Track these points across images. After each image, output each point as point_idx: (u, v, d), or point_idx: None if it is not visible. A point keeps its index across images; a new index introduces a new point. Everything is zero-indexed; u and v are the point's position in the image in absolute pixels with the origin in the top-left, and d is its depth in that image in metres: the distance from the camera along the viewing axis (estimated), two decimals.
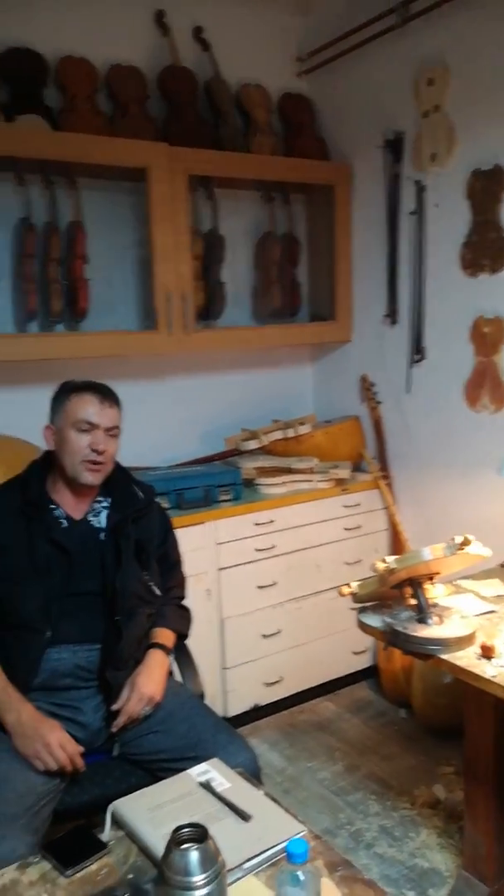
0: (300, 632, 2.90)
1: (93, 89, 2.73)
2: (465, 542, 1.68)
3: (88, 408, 1.76)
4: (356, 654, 3.09)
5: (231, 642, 2.74)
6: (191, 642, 2.07)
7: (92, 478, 1.78)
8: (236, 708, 2.77)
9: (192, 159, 2.74)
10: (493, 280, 2.62)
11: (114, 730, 1.73)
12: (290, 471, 2.94)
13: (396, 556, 1.76)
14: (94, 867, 1.26)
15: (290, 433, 3.03)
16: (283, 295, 3.17)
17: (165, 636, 1.92)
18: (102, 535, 1.88)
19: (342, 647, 3.02)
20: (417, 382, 2.98)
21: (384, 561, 1.76)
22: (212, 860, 0.98)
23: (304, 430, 3.04)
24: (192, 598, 2.60)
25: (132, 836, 1.32)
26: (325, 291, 3.26)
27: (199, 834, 1.01)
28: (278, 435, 3.02)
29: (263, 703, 2.85)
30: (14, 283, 2.67)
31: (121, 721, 1.73)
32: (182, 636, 2.01)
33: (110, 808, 1.38)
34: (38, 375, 2.60)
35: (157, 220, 2.65)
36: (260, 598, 2.81)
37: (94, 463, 1.77)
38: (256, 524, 2.77)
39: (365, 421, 3.22)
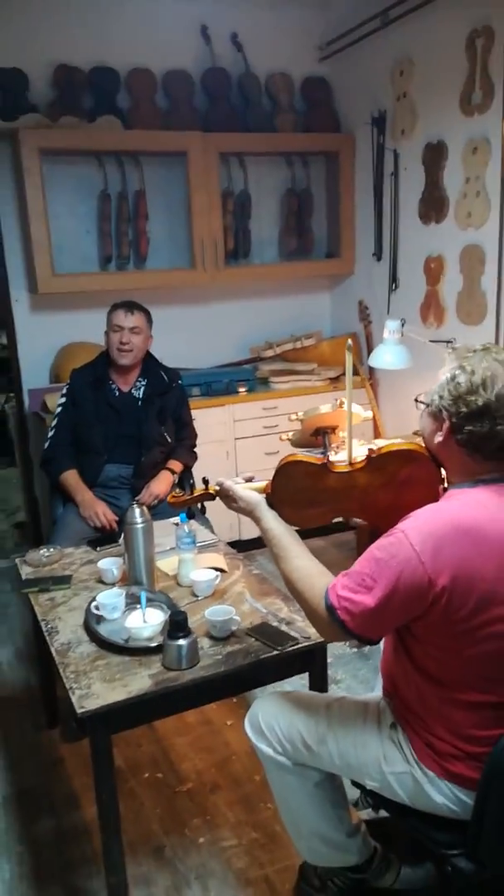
0: None
1: (153, 92, 3.79)
2: (341, 404, 2.71)
3: (118, 316, 2.92)
4: None
5: None
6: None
7: (122, 359, 2.94)
8: (249, 534, 3.93)
9: (223, 141, 3.77)
10: (437, 227, 3.51)
11: None
12: (294, 372, 4.01)
13: (305, 411, 2.81)
14: (111, 549, 2.48)
15: (298, 345, 4.08)
16: (298, 239, 4.17)
17: (174, 464, 3.10)
18: (139, 403, 3.06)
19: None
20: (394, 305, 3.92)
21: (297, 415, 2.82)
22: (147, 518, 2.14)
23: (308, 342, 4.08)
24: (215, 457, 3.77)
25: None
26: (336, 235, 4.23)
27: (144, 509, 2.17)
28: (288, 346, 4.08)
29: None
30: (98, 236, 3.84)
31: None
32: (187, 466, 3.18)
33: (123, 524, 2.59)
34: (114, 301, 3.77)
35: (194, 188, 3.73)
36: (267, 461, 3.92)
37: (121, 350, 2.92)
38: (264, 409, 3.89)
39: (361, 336, 4.20)
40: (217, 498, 1.73)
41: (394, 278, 3.88)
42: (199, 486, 1.76)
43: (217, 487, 1.72)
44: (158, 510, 2.91)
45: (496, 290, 3.18)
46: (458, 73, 3.21)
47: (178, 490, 1.79)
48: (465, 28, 3.12)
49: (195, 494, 1.75)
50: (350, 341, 1.64)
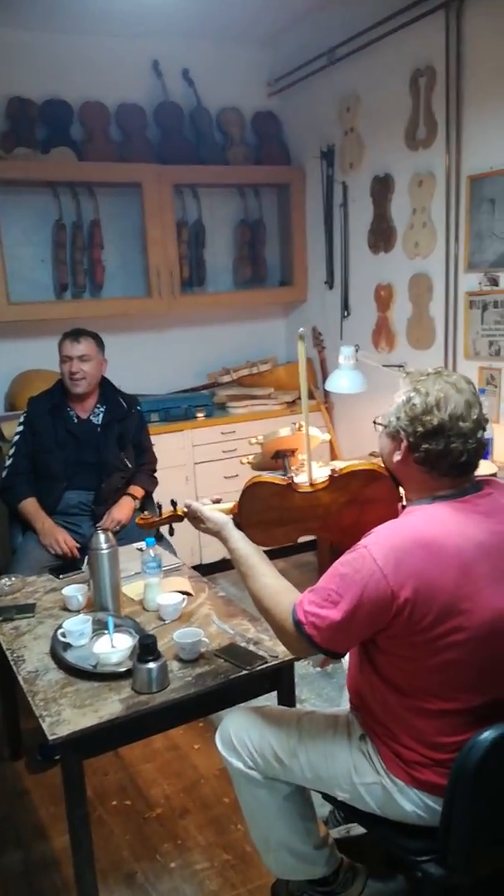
0: None
1: (106, 124, 3.86)
2: (300, 428, 2.77)
3: (66, 347, 2.94)
4: None
5: None
6: None
7: (75, 388, 2.96)
8: (210, 558, 3.95)
9: (176, 173, 3.85)
10: (386, 257, 3.64)
11: None
12: (251, 397, 4.07)
13: (265, 434, 2.87)
14: (74, 576, 2.48)
15: (254, 370, 4.15)
16: (252, 267, 4.26)
17: (135, 489, 3.12)
18: (98, 429, 3.07)
19: None
20: (346, 332, 4.03)
21: (257, 438, 2.87)
22: (112, 543, 2.15)
23: (264, 367, 4.15)
24: (174, 482, 3.79)
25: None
26: (288, 263, 4.33)
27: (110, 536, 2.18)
28: (245, 371, 4.14)
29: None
30: (53, 265, 3.87)
31: None
32: (148, 491, 3.20)
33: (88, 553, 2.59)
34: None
35: (149, 218, 3.79)
36: (226, 485, 3.96)
37: (73, 379, 2.94)
38: (223, 433, 3.93)
39: (316, 361, 4.30)
40: (185, 519, 1.77)
41: (346, 305, 3.99)
42: (168, 509, 1.80)
43: (185, 509, 1.76)
44: (121, 535, 2.92)
45: (444, 316, 3.31)
46: (402, 109, 3.36)
47: (146, 512, 1.82)
48: (409, 67, 3.27)
49: (164, 516, 1.79)
50: (302, 329, 1.70)
